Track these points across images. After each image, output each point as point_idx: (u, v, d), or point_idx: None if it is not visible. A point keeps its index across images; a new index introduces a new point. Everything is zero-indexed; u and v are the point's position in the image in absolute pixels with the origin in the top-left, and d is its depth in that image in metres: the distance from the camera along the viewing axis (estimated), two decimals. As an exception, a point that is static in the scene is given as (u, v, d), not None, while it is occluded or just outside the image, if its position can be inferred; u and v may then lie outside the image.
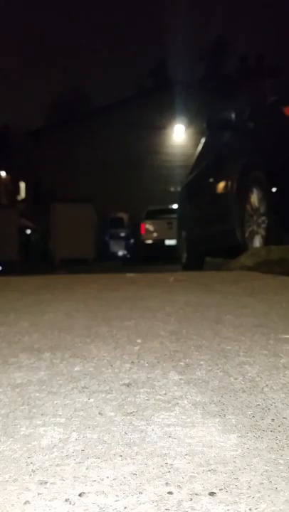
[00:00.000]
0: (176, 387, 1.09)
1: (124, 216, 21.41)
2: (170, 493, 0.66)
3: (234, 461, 0.75)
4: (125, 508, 0.63)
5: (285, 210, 4.05)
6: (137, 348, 1.44)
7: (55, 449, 0.80)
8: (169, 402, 1.00)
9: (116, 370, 1.23)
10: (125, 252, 20.89)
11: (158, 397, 1.04)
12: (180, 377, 1.16)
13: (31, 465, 0.75)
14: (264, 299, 2.31)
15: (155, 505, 0.63)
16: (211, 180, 5.89)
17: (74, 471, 0.73)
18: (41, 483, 0.69)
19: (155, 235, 17.20)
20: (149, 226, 17.40)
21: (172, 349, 1.41)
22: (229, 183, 5.15)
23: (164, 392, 1.07)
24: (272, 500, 0.64)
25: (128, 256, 20.43)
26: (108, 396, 1.05)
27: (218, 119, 5.40)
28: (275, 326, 1.67)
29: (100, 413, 0.95)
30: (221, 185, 5.48)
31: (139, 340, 1.53)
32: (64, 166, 23.27)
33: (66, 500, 0.65)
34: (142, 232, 17.48)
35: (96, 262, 15.28)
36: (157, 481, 0.69)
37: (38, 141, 25.00)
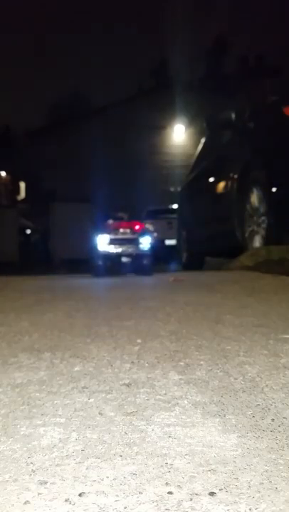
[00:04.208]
0: (176, 387, 1.09)
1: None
2: (170, 493, 0.66)
3: (234, 461, 0.75)
4: (125, 508, 0.63)
5: (285, 210, 4.05)
6: (137, 348, 1.44)
7: (55, 449, 0.80)
8: (169, 402, 1.00)
9: (116, 370, 1.23)
10: (125, 252, 20.85)
11: (158, 397, 1.04)
12: (180, 377, 1.16)
13: (31, 465, 0.75)
14: (264, 299, 2.31)
15: (155, 505, 0.63)
16: (211, 180, 5.89)
17: (74, 471, 0.73)
18: (41, 483, 0.69)
19: (155, 235, 17.21)
20: (149, 226, 17.40)
21: (172, 349, 1.41)
22: (229, 183, 5.14)
23: (164, 392, 1.07)
24: (272, 500, 0.64)
25: (128, 256, 20.40)
26: (108, 396, 1.05)
27: (218, 119, 5.40)
28: (275, 326, 1.67)
29: (100, 413, 0.95)
30: (221, 185, 5.47)
31: (139, 340, 1.52)
32: (64, 166, 23.25)
33: (66, 500, 0.65)
34: (142, 232, 17.47)
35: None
36: (157, 481, 0.69)
37: (38, 141, 24.99)
